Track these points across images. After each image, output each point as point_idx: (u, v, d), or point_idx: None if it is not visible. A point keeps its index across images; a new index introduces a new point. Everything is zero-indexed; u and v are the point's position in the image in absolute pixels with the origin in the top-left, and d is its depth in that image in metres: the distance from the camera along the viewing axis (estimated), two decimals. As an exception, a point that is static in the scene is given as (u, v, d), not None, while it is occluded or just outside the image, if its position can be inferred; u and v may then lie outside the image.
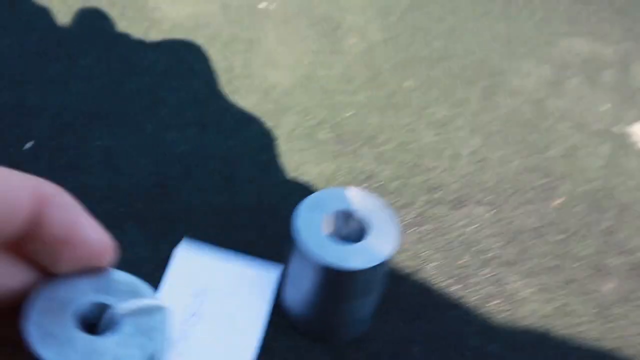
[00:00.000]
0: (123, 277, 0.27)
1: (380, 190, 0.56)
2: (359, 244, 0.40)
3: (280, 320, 0.46)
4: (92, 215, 0.28)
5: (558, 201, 0.59)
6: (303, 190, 0.55)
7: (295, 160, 0.57)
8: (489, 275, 0.52)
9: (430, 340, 0.47)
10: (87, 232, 0.25)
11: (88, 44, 0.64)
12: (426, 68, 0.68)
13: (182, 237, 0.50)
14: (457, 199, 0.57)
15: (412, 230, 0.54)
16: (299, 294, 0.43)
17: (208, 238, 0.49)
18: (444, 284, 0.50)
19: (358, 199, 0.42)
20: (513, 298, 0.50)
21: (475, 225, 0.55)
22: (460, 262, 0.52)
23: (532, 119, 0.66)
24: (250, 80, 0.64)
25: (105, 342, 0.26)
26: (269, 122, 0.60)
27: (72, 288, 0.26)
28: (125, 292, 0.27)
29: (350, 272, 0.39)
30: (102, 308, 0.26)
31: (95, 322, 0.26)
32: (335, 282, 0.40)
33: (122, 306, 0.26)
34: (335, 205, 0.42)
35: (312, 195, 0.42)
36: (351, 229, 0.42)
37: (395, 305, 0.48)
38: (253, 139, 0.58)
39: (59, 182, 0.56)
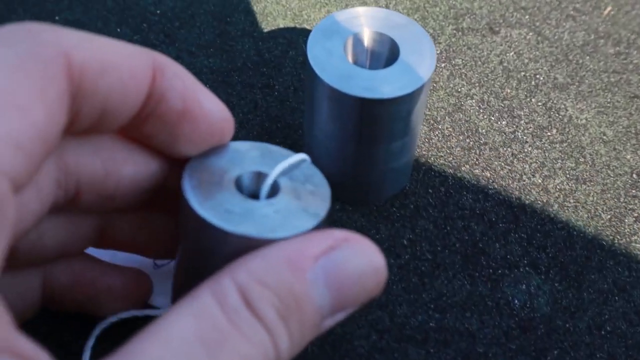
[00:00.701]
0: (248, 146, 0.26)
1: (399, 26, 0.48)
2: (388, 69, 0.32)
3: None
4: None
5: (608, 9, 0.50)
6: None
7: (294, 5, 0.49)
8: (539, 103, 0.44)
9: (482, 185, 0.40)
10: (207, 103, 0.23)
11: None
12: None
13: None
14: (489, 24, 0.48)
15: (443, 65, 0.46)
16: (324, 145, 0.35)
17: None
18: (489, 119, 0.43)
19: (382, 18, 0.34)
20: (570, 125, 0.43)
21: (516, 50, 0.47)
22: (504, 92, 0.44)
23: None
24: None
25: (283, 202, 0.24)
26: (257, -32, 0.51)
27: (214, 166, 0.25)
28: (260, 157, 0.26)
29: (381, 101, 0.31)
30: (257, 177, 0.26)
31: (250, 192, 0.25)
32: (365, 118, 0.33)
33: (276, 169, 0.25)
34: (356, 28, 0.34)
35: (326, 18, 0.34)
36: (378, 53, 0.34)
37: (436, 153, 0.41)
38: (242, -12, 0.50)
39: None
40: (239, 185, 0.25)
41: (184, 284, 0.27)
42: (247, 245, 0.23)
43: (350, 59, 0.34)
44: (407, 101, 0.32)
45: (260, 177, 0.26)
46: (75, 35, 0.20)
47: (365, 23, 0.34)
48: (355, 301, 0.21)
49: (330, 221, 0.25)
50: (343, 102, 0.32)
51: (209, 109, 0.23)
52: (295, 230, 0.23)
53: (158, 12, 0.47)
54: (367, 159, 0.35)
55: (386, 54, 0.34)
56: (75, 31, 0.21)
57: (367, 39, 0.34)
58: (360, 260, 0.21)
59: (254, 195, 0.25)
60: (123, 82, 0.21)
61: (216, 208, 0.24)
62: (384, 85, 0.32)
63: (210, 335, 0.19)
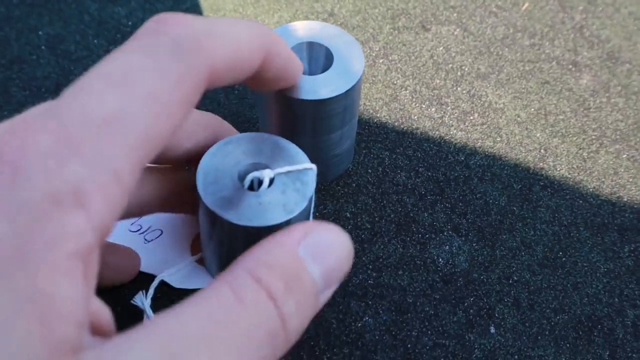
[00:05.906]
0: (264, 139, 0.33)
1: (343, 27, 0.54)
2: (324, 74, 0.39)
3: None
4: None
5: (526, 5, 0.57)
6: (264, 42, 0.53)
7: (250, 13, 0.55)
8: (464, 91, 0.51)
9: (414, 164, 0.47)
10: (294, 72, 0.32)
11: None
12: None
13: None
14: (421, 22, 0.55)
15: (381, 61, 0.53)
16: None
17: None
18: (421, 107, 0.50)
19: (318, 30, 0.41)
20: (490, 110, 0.50)
21: (444, 45, 0.54)
22: (434, 83, 0.52)
23: None
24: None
25: (270, 195, 0.31)
26: (216, -21, 0.57)
27: (230, 155, 0.32)
28: (271, 152, 0.33)
29: (321, 101, 0.38)
30: (257, 167, 0.32)
31: (254, 181, 0.32)
32: (307, 115, 0.39)
33: (278, 170, 0.31)
34: (296, 40, 0.40)
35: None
36: (316, 60, 0.41)
37: (375, 137, 0.48)
38: (203, -2, 0.56)
39: (5, 78, 0.54)
40: (246, 173, 0.32)
41: (202, 243, 0.36)
42: (230, 227, 0.29)
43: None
44: (342, 99, 0.39)
45: (265, 170, 0.31)
46: (215, 39, 0.24)
47: (304, 35, 0.41)
48: (338, 274, 0.26)
49: (308, 213, 0.32)
50: (288, 103, 0.39)
51: (295, 72, 0.32)
52: (269, 222, 0.29)
53: (130, 23, 0.54)
54: (312, 148, 0.42)
55: (322, 60, 0.41)
56: (213, 33, 0.25)
57: (306, 49, 0.41)
58: (332, 237, 0.26)
59: (259, 181, 0.31)
60: (242, 73, 0.26)
61: (216, 194, 0.30)
62: (322, 88, 0.38)
63: (220, 322, 0.21)
